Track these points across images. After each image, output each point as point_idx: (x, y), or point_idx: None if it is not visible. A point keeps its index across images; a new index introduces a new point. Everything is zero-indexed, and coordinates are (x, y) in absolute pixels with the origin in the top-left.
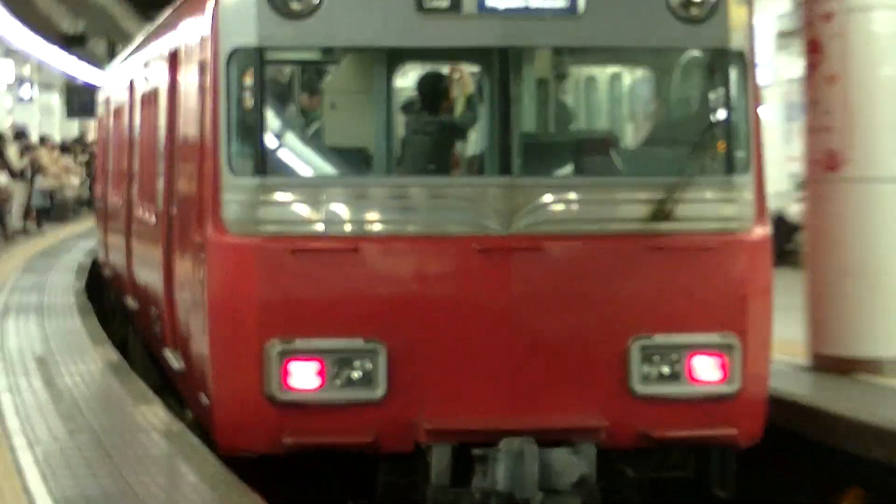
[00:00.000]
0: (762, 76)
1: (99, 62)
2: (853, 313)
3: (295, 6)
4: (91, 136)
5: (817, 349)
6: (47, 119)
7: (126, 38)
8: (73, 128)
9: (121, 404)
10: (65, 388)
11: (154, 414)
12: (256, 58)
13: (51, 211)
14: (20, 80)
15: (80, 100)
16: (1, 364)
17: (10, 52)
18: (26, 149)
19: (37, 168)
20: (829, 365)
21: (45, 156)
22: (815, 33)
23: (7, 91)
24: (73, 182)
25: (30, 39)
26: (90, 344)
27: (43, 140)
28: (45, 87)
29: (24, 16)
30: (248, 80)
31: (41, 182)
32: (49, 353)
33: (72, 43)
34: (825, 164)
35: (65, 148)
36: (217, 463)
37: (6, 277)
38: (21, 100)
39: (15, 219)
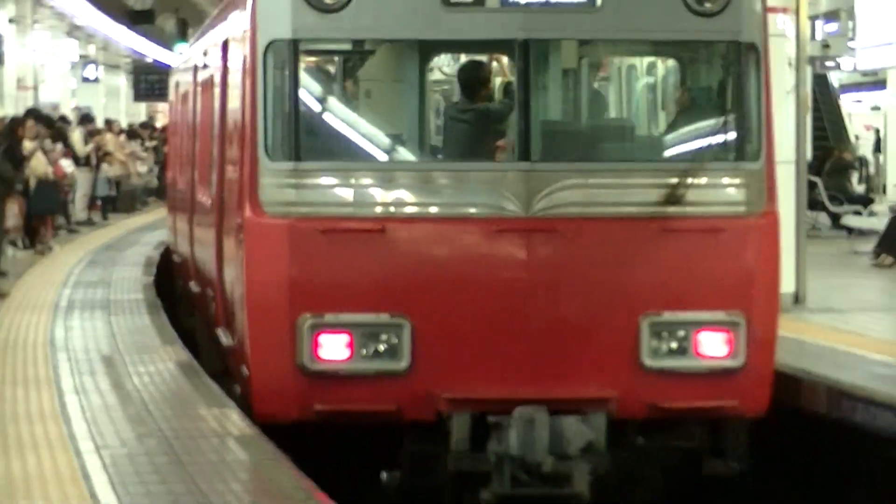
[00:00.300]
0: None
1: (168, 41)
2: None
3: (327, 2)
4: (160, 120)
5: None
6: (113, 102)
7: (197, 15)
8: (139, 111)
9: (192, 407)
10: (133, 390)
11: (228, 418)
12: (291, 49)
13: (116, 200)
14: (85, 61)
15: (147, 81)
16: (66, 364)
17: (73, 30)
18: (91, 134)
19: (102, 155)
20: None
21: (111, 142)
22: None
23: (71, 71)
24: (141, 169)
25: (94, 15)
26: (159, 343)
27: (109, 124)
28: (111, 67)
29: None
30: (285, 70)
31: (106, 170)
32: (116, 352)
33: (138, 19)
34: None
35: (132, 133)
36: (295, 471)
37: (70, 271)
38: (86, 80)
39: (79, 209)
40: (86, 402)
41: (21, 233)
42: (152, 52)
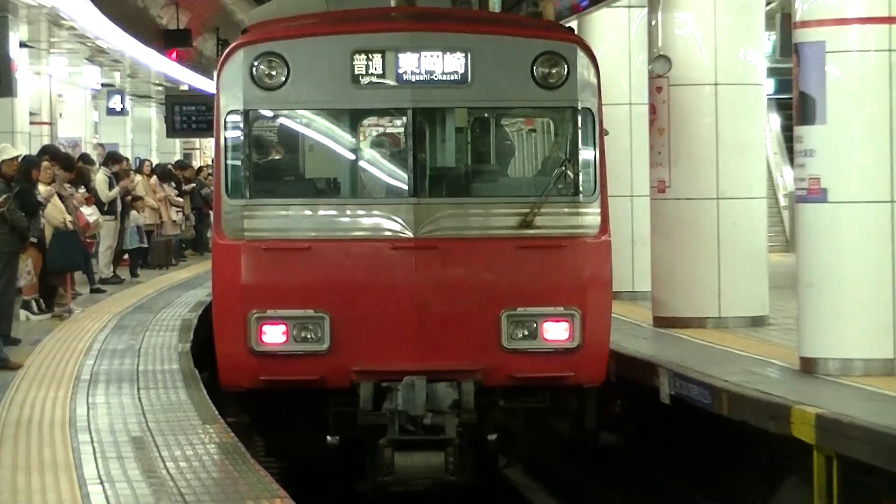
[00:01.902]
0: None
1: (206, 67)
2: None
3: (268, 82)
4: (198, 158)
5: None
6: (142, 137)
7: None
8: (174, 148)
9: (238, 499)
10: (167, 478)
11: None
12: (243, 117)
13: (148, 254)
14: (109, 90)
15: (183, 113)
16: (89, 447)
17: (96, 55)
18: (117, 176)
19: (130, 200)
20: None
21: (140, 184)
22: (653, 99)
23: (93, 102)
24: (176, 217)
25: (120, 38)
26: (198, 422)
27: (140, 164)
28: (140, 97)
29: (112, 8)
30: (239, 132)
31: (136, 217)
32: (147, 433)
33: (172, 41)
34: (658, 188)
35: (165, 174)
36: None
37: (93, 338)
38: (111, 112)
39: (103, 264)
40: (111, 493)
41: (36, 293)
42: (188, 78)
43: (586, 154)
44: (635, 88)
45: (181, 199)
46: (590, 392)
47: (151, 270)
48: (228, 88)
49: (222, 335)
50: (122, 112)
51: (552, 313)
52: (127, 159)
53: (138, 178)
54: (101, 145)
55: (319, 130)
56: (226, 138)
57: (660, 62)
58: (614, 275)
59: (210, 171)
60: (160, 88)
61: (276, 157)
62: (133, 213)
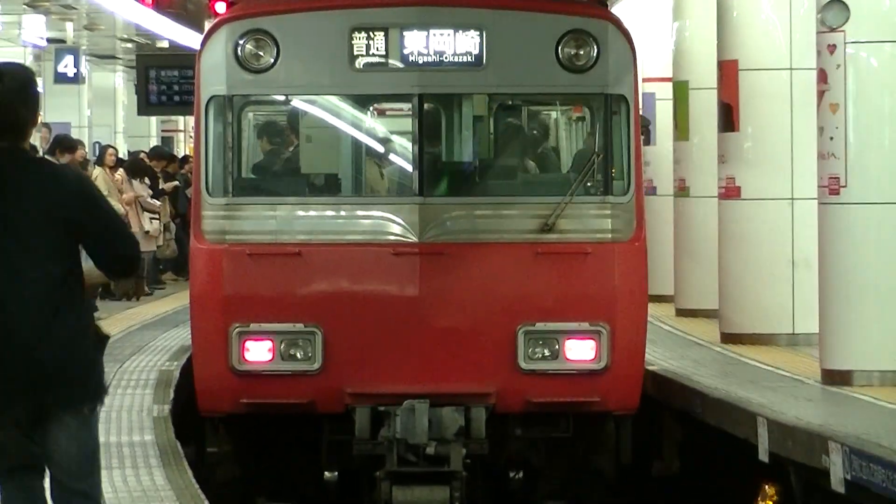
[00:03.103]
0: None
1: (196, 17)
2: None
3: (255, 64)
4: (183, 144)
5: None
6: (105, 114)
7: None
8: (148, 129)
9: None
10: None
11: None
12: (226, 103)
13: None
14: (58, 48)
15: (161, 80)
16: None
17: None
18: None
19: None
20: None
21: (101, 181)
22: (823, 63)
23: (35, 65)
24: (150, 227)
25: None
26: None
27: (101, 153)
28: (102, 59)
29: None
30: (223, 120)
31: None
32: None
33: None
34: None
35: (136, 167)
36: None
37: None
38: (61, 79)
39: None
40: None
41: None
42: (169, 31)
43: (619, 147)
44: (798, 47)
45: (158, 202)
46: (623, 421)
47: (115, 302)
48: (210, 71)
49: (200, 352)
50: (77, 78)
51: (576, 329)
52: (82, 145)
53: (98, 171)
54: (45, 125)
55: (313, 119)
56: (206, 127)
57: (833, 10)
58: (777, 307)
59: None
60: (129, 45)
61: (264, 150)
62: None
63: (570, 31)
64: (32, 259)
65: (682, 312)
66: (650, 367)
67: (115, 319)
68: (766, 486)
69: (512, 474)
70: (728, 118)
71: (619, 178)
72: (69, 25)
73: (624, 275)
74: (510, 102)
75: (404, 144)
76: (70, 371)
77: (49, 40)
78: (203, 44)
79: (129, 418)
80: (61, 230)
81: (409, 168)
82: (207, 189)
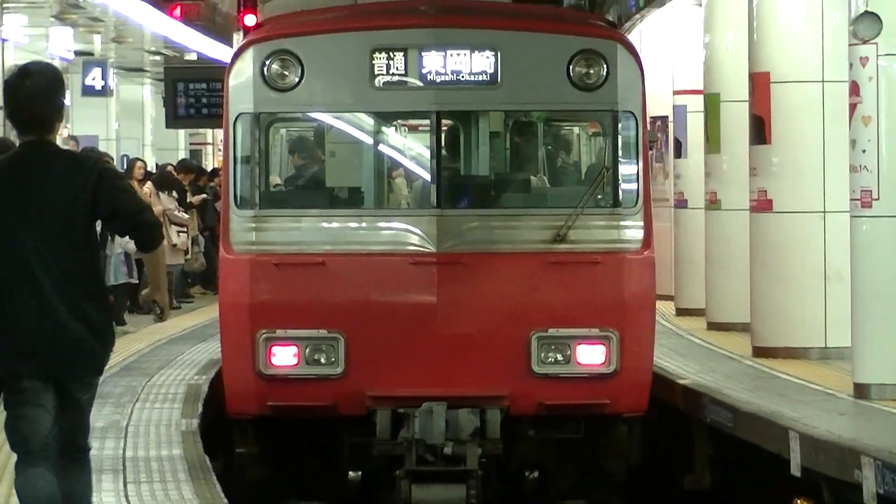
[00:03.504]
0: None
1: (224, 30)
2: None
3: (280, 83)
4: (211, 157)
5: None
6: (132, 127)
7: None
8: (176, 142)
9: None
10: None
11: None
12: (253, 120)
13: (138, 292)
14: (86, 61)
15: (189, 93)
16: None
17: (68, 11)
18: None
19: None
20: None
21: None
22: (854, 75)
23: (65, 75)
24: (178, 240)
25: None
26: None
27: (129, 166)
28: (129, 72)
29: None
30: (250, 136)
31: (122, 242)
32: None
33: None
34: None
35: (164, 180)
36: None
37: None
38: (88, 92)
39: None
40: None
41: None
42: (198, 44)
43: (628, 162)
44: (830, 59)
45: (186, 216)
46: (633, 423)
47: (144, 316)
48: (238, 89)
49: (229, 357)
50: (104, 91)
51: (587, 335)
52: (110, 158)
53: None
54: (73, 138)
55: (335, 135)
56: (234, 143)
57: (865, 22)
58: (809, 321)
59: None
60: (157, 58)
61: (289, 165)
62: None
63: (580, 51)
64: (59, 244)
65: (713, 326)
66: (681, 381)
67: (142, 333)
68: (798, 501)
69: (527, 474)
70: (759, 131)
71: (627, 192)
72: (97, 38)
73: (632, 283)
74: (524, 119)
75: (423, 159)
76: (89, 347)
77: (77, 53)
78: (231, 63)
79: (158, 432)
80: (84, 215)
81: (428, 181)
82: (235, 202)
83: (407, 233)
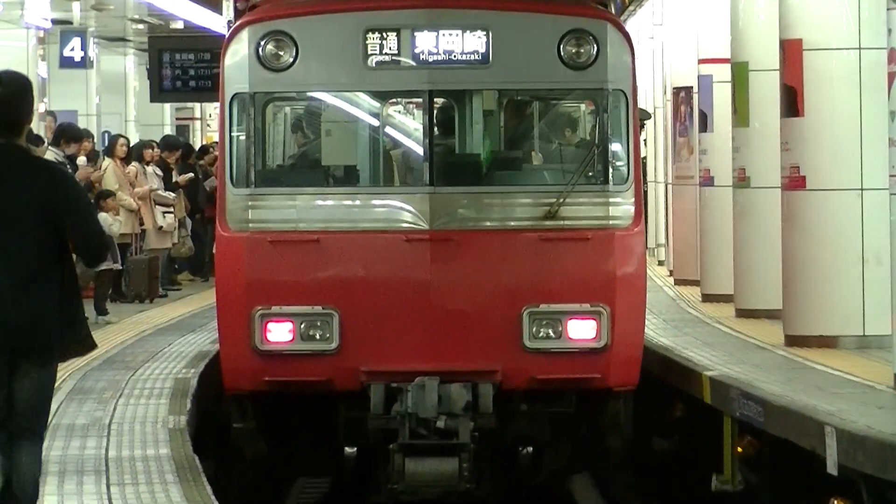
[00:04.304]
0: None
1: None
2: None
3: (275, 63)
4: (200, 135)
5: None
6: (114, 101)
7: None
8: (161, 117)
9: None
10: None
11: None
12: (249, 100)
13: (123, 280)
14: (63, 30)
15: (175, 65)
16: None
17: None
18: (73, 160)
19: (96, 198)
20: None
21: (111, 174)
22: (894, 42)
23: (38, 48)
24: (164, 222)
25: None
26: None
27: (111, 144)
28: (111, 41)
29: None
30: (245, 115)
31: (105, 225)
32: None
33: None
34: None
35: (138, 154)
36: None
37: None
38: (66, 63)
39: None
40: None
41: None
42: (185, 10)
43: (618, 140)
44: (867, 24)
45: (172, 196)
46: (624, 396)
47: (127, 304)
48: (233, 69)
49: (225, 334)
50: (84, 63)
51: (577, 310)
52: (90, 136)
53: (108, 163)
54: (50, 113)
55: (329, 114)
56: (230, 123)
57: None
58: (846, 307)
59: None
60: (141, 27)
61: (283, 144)
62: (101, 216)
63: (571, 31)
64: (18, 238)
65: (742, 313)
66: (708, 373)
67: (127, 323)
68: (835, 502)
69: (520, 449)
70: (792, 102)
71: (618, 169)
72: (76, 5)
73: (623, 259)
74: (516, 98)
75: (416, 138)
76: (41, 331)
77: (54, 21)
78: (226, 44)
79: (143, 430)
80: (44, 216)
81: (421, 160)
82: (232, 180)
83: (400, 210)
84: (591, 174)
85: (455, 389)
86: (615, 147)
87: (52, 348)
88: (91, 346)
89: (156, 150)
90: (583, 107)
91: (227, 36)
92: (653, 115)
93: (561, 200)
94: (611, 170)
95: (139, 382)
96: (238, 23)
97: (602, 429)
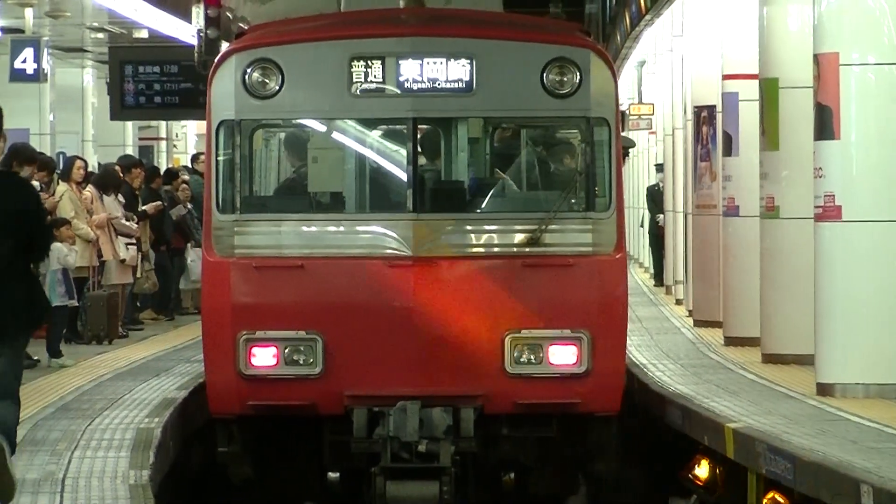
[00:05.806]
0: None
1: (179, 3)
2: None
3: (262, 91)
4: (166, 156)
5: None
6: (70, 119)
7: None
8: (123, 137)
9: None
10: None
11: None
12: (235, 127)
13: (80, 319)
14: (15, 39)
15: (138, 78)
16: None
17: None
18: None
19: (48, 226)
20: None
21: (67, 200)
22: None
23: None
24: (126, 255)
25: None
26: None
27: (68, 165)
28: (68, 52)
29: None
30: (231, 142)
31: (59, 254)
32: None
33: None
34: None
35: (107, 182)
36: None
37: None
38: (20, 76)
39: None
40: None
41: None
42: (149, 18)
43: (601, 167)
44: None
45: (135, 226)
46: (608, 422)
47: (84, 346)
48: (220, 97)
49: (211, 358)
50: (37, 76)
51: (559, 336)
52: (46, 158)
53: (63, 188)
54: (1, 134)
55: (315, 141)
56: (217, 149)
57: None
58: (886, 352)
59: (186, 176)
60: (101, 36)
61: (269, 170)
62: (55, 246)
63: (554, 59)
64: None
65: (769, 358)
66: (732, 425)
67: (82, 367)
68: None
69: (502, 474)
70: (827, 123)
71: (601, 196)
72: (29, 12)
73: (604, 286)
74: (500, 126)
75: (400, 164)
76: (13, 316)
77: (4, 30)
78: (213, 72)
79: (101, 486)
80: (17, 223)
81: (404, 186)
82: (218, 206)
83: (384, 237)
84: (573, 201)
85: (436, 413)
86: (598, 174)
87: (23, 330)
88: (48, 309)
89: (79, 164)
90: (566, 134)
91: (213, 63)
92: (672, 137)
93: (544, 227)
94: (594, 197)
95: (97, 433)
96: (225, 50)
97: (588, 454)
